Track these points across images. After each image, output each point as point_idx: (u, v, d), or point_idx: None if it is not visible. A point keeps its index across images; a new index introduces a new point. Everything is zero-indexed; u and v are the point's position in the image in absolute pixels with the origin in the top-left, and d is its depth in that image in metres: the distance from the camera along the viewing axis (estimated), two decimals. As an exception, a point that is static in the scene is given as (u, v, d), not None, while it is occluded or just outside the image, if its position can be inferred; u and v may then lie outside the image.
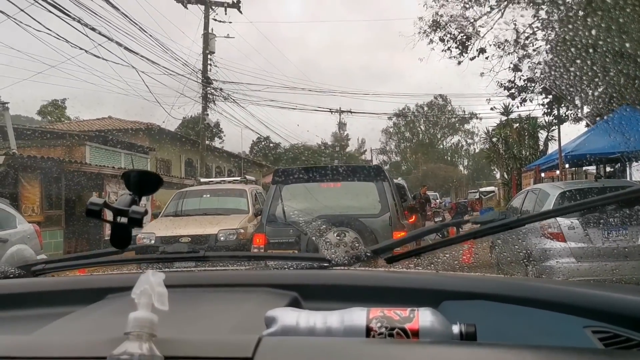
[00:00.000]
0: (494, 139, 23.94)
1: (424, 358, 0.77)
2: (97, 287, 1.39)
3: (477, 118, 56.40)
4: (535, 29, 12.53)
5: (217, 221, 9.50)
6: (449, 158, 72.75)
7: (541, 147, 22.38)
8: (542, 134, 22.66)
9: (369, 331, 0.87)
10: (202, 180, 12.21)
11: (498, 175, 38.34)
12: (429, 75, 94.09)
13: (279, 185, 6.73)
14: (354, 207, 6.63)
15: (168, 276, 0.83)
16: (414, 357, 0.77)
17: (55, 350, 0.79)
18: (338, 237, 6.06)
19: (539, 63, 13.36)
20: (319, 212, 6.21)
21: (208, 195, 11.04)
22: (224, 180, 12.37)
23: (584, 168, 16.31)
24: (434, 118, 70.65)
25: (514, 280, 1.40)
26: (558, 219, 6.14)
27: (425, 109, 68.43)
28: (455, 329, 0.88)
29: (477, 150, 68.82)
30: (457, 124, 71.42)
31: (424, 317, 0.88)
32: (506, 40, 13.80)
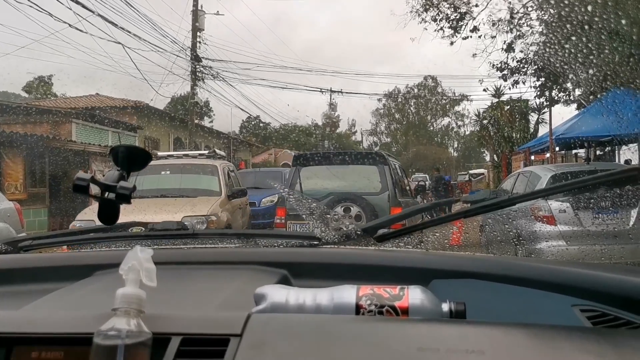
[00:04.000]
0: (485, 121, 23.85)
1: (413, 335, 0.77)
2: (85, 264, 1.38)
3: (467, 100, 56.59)
4: (530, 8, 12.33)
5: (180, 205, 7.37)
6: (438, 140, 72.76)
7: (532, 130, 22.36)
8: (533, 117, 22.63)
9: (358, 309, 0.87)
10: (160, 154, 9.52)
11: (488, 158, 38.46)
12: (421, 56, 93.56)
13: (297, 167, 7.97)
14: (358, 186, 7.67)
15: (156, 253, 0.82)
16: (403, 335, 0.77)
17: (42, 326, 0.79)
18: (344, 211, 7.11)
19: (533, 43, 13.19)
20: (329, 189, 7.50)
21: (168, 172, 8.60)
22: (187, 155, 9.71)
23: (574, 151, 16.29)
24: (424, 99, 70.53)
25: (503, 259, 1.40)
26: (549, 201, 6.12)
27: (416, 90, 68.28)
28: (445, 307, 0.88)
29: (467, 133, 69.02)
30: (447, 106, 71.39)
31: (414, 295, 0.88)
32: (500, 19, 13.61)
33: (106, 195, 1.09)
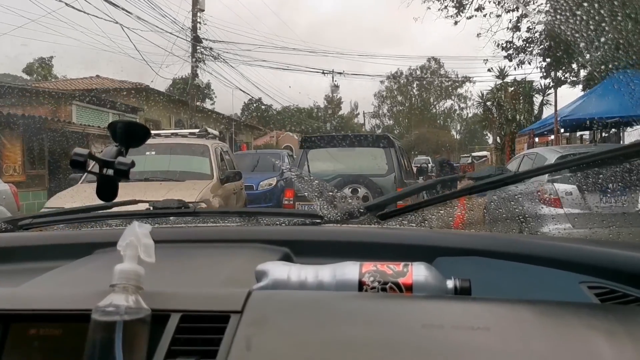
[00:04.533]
0: (488, 103, 23.60)
1: (417, 312, 0.76)
2: (85, 242, 1.36)
3: (470, 82, 56.14)
4: None
5: (165, 191, 6.41)
6: (441, 122, 72.44)
7: (536, 112, 22.13)
8: (537, 98, 22.38)
9: (361, 285, 0.85)
10: (155, 132, 8.55)
11: (490, 141, 38.22)
12: (425, 37, 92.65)
13: (305, 149, 8.05)
14: (365, 168, 7.81)
15: (157, 231, 0.81)
16: (407, 311, 0.77)
17: (39, 303, 0.78)
18: (352, 192, 7.15)
19: (539, 21, 12.86)
20: (337, 171, 7.61)
21: (153, 153, 7.46)
22: (175, 134, 8.64)
23: (579, 133, 16.11)
24: (426, 82, 70.11)
25: (509, 237, 1.38)
26: (555, 183, 6.00)
27: (418, 72, 67.82)
28: (450, 283, 0.87)
29: (470, 115, 68.70)
30: (450, 88, 70.98)
31: (418, 272, 0.86)
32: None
33: (104, 171, 1.08)
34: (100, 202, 1.21)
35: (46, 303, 0.79)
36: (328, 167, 7.92)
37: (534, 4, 13.04)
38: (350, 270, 0.87)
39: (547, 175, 6.27)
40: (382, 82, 67.69)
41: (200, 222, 1.67)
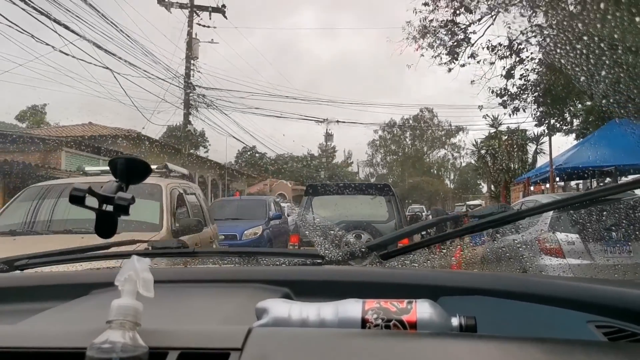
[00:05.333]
0: (482, 151, 23.59)
1: (422, 349, 0.75)
2: (82, 282, 1.35)
3: (463, 131, 56.69)
4: (531, 34, 12.06)
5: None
6: (435, 171, 72.83)
7: (530, 160, 22.10)
8: (531, 147, 22.40)
9: (364, 323, 0.84)
10: (90, 170, 6.73)
11: (484, 190, 38.20)
12: (419, 86, 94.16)
13: (309, 196, 8.33)
14: (367, 215, 8.17)
15: (156, 271, 0.79)
16: (412, 349, 0.75)
17: (34, 341, 0.77)
18: (355, 237, 7.20)
19: (533, 69, 12.89)
20: (340, 217, 7.73)
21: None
22: None
23: (574, 183, 15.98)
24: (420, 131, 70.84)
25: (513, 276, 1.38)
26: (557, 234, 5.79)
27: (411, 122, 68.53)
28: (455, 321, 0.85)
29: (463, 164, 69.10)
30: (443, 138, 71.65)
31: (422, 309, 0.85)
32: (499, 44, 13.33)
33: (104, 207, 1.07)
34: (97, 242, 1.25)
35: (40, 341, 0.76)
36: (332, 213, 8.09)
37: (527, 51, 13.10)
38: (353, 307, 0.86)
39: (547, 224, 6.12)
40: (375, 131, 68.33)
41: (200, 262, 1.66)
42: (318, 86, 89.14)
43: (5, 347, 0.75)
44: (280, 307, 0.88)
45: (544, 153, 20.90)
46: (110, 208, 1.06)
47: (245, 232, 11.17)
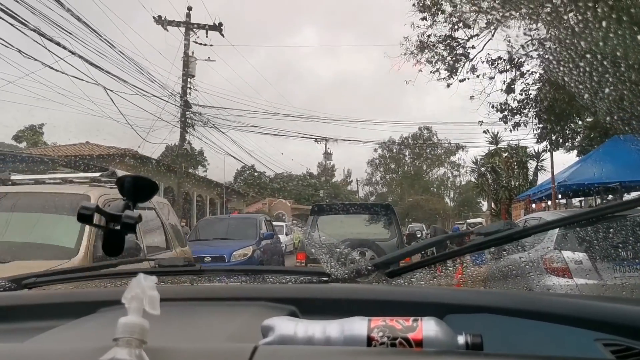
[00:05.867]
0: (483, 169, 23.34)
1: None
2: (89, 301, 1.34)
3: (463, 149, 56.57)
4: (532, 47, 11.83)
5: None
6: (434, 190, 72.69)
7: (530, 178, 21.85)
8: (532, 164, 22.17)
9: (370, 341, 0.84)
10: (16, 178, 5.23)
11: (484, 208, 37.94)
12: (419, 104, 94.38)
13: (315, 215, 8.74)
14: (371, 233, 8.74)
15: (162, 289, 0.79)
16: None
17: (42, 359, 0.79)
18: (359, 255, 7.26)
19: (534, 81, 12.64)
20: (345, 235, 8.10)
21: None
22: (55, 179, 5.15)
23: (576, 200, 15.72)
24: (419, 150, 70.85)
25: (520, 293, 1.40)
26: (564, 252, 5.51)
27: (410, 140, 68.58)
28: (461, 339, 0.84)
29: (463, 183, 69.01)
30: (442, 156, 71.63)
31: (428, 327, 0.85)
32: (499, 58, 13.08)
33: (111, 225, 1.08)
34: (104, 260, 1.43)
35: (48, 359, 0.78)
36: (337, 231, 8.41)
37: (528, 64, 12.85)
38: (358, 325, 0.86)
39: (553, 242, 5.86)
40: (375, 150, 68.30)
41: (206, 280, 1.68)
42: (317, 105, 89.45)
43: None
44: (286, 325, 0.88)
45: (544, 170, 20.67)
46: (117, 227, 1.07)
47: (235, 252, 10.54)
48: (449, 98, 69.45)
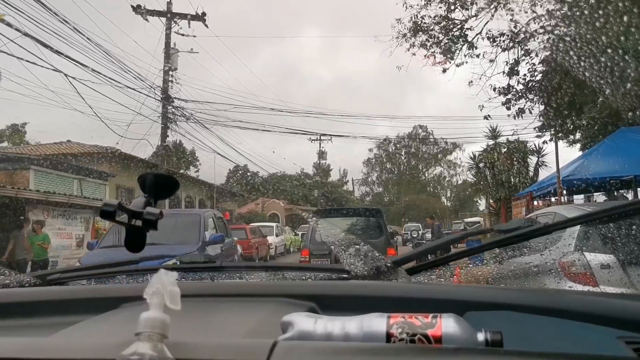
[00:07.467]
0: (481, 165, 22.35)
1: None
2: (112, 296, 1.35)
3: (459, 148, 55.83)
4: (542, 23, 10.68)
5: None
6: (431, 189, 72.06)
7: (531, 174, 20.91)
8: (532, 160, 21.22)
9: (389, 337, 0.83)
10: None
11: (482, 207, 37.18)
12: (418, 100, 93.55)
13: (317, 218, 8.79)
14: (362, 233, 9.85)
15: (183, 285, 0.83)
16: None
17: (66, 353, 0.79)
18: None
19: (543, 60, 11.52)
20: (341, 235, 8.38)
21: None
22: None
23: (584, 195, 14.78)
24: (414, 149, 70.27)
25: (541, 291, 1.43)
26: (587, 254, 4.55)
27: (406, 140, 67.84)
28: (481, 336, 0.83)
29: (459, 182, 68.43)
30: (439, 155, 71.03)
31: (447, 323, 0.83)
32: (501, 34, 11.91)
33: (133, 222, 1.09)
34: (126, 257, 1.43)
35: (72, 353, 0.78)
36: (334, 231, 9.26)
37: (535, 40, 11.66)
38: (377, 321, 0.85)
39: (573, 242, 4.95)
40: (370, 149, 67.57)
41: (226, 277, 1.72)
42: (315, 103, 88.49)
43: (39, 358, 0.77)
44: (305, 321, 0.87)
45: (546, 165, 19.71)
46: (139, 223, 1.08)
47: (169, 261, 8.17)
48: (445, 85, 68.49)
